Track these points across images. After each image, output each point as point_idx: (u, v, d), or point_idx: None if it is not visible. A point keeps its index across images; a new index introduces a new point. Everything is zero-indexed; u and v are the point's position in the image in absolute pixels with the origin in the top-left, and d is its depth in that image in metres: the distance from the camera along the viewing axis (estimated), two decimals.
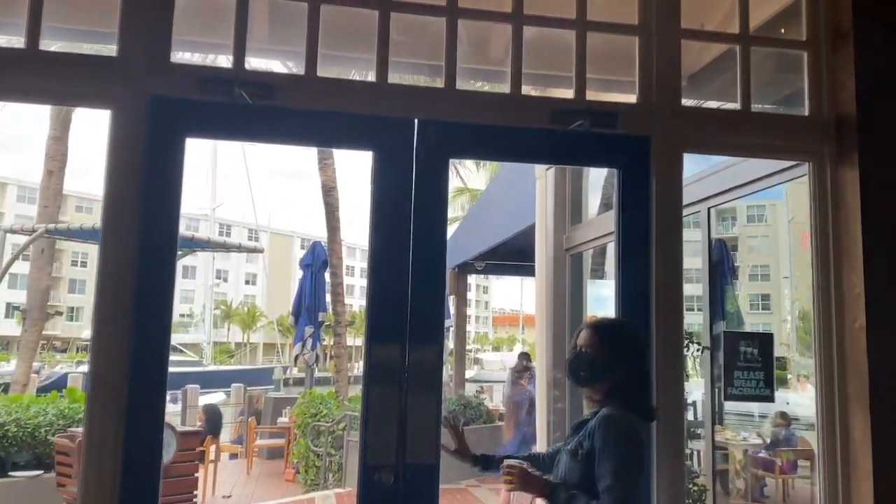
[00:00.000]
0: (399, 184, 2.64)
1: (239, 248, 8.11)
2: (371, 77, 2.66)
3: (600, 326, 2.39)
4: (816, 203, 2.89)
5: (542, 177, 6.26)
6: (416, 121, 2.67)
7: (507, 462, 2.29)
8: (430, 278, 2.70)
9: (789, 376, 8.20)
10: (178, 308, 59.13)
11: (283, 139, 2.71)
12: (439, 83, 2.71)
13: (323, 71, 2.62)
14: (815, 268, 2.85)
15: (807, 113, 2.95)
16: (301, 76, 2.61)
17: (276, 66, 3.20)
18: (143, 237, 2.46)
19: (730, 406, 5.95)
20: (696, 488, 3.26)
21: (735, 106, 2.90)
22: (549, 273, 6.05)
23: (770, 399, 2.80)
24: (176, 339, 47.93)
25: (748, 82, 2.89)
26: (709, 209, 4.06)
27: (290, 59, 3.08)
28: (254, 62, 2.71)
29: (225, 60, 2.62)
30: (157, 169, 2.51)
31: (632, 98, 2.86)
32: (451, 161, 3.62)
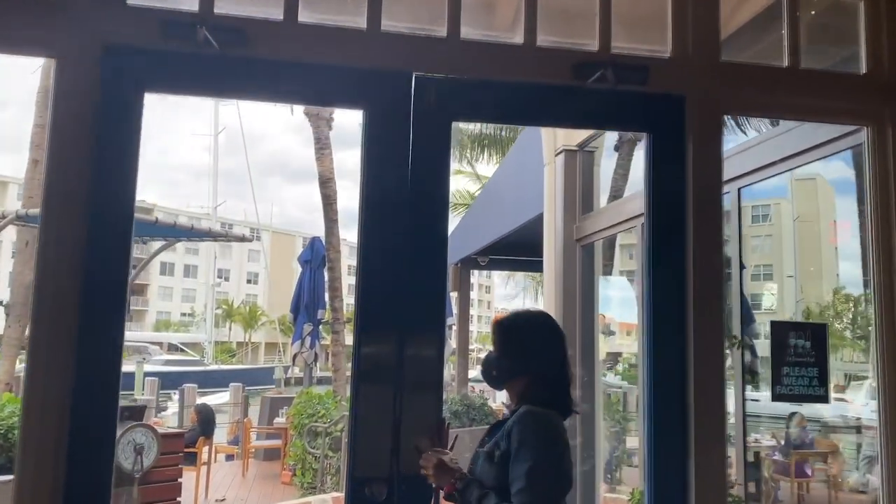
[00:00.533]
0: (394, 147, 2.26)
1: (227, 237, 7.74)
2: (361, 24, 2.28)
3: (500, 323, 2.18)
4: (876, 175, 2.51)
5: (551, 162, 5.88)
6: (413, 75, 2.29)
7: (430, 451, 2.08)
8: (429, 259, 2.34)
9: None
10: (180, 307, 59.07)
11: (258, 94, 2.33)
12: (440, 31, 2.32)
13: (305, 16, 2.24)
14: (874, 251, 2.47)
15: (864, 71, 2.56)
16: (279, 22, 2.23)
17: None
18: (92, 214, 2.08)
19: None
20: (730, 500, 2.90)
21: (781, 63, 2.52)
22: (558, 266, 5.67)
23: (825, 399, 2.43)
24: (177, 338, 47.85)
25: (797, 34, 2.50)
26: (738, 190, 3.68)
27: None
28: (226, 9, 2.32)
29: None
30: (110, 130, 2.14)
31: (664, 54, 2.47)
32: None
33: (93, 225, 2.08)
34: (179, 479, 5.56)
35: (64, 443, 2.01)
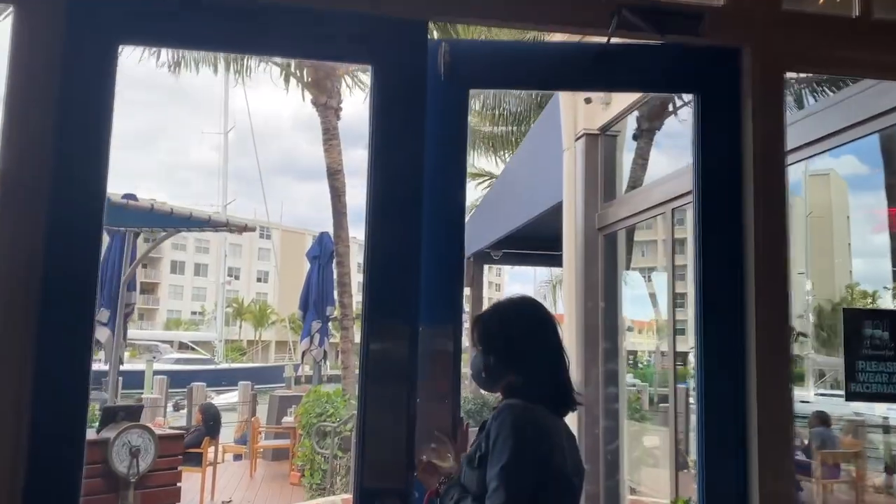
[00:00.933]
0: (407, 106, 1.96)
1: (227, 226, 7.45)
2: None
3: (480, 318, 1.95)
4: None
5: (571, 148, 5.56)
6: (427, 24, 1.99)
7: (428, 449, 1.94)
8: (446, 237, 2.07)
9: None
10: (190, 305, 59.13)
11: (249, 47, 2.07)
12: None
13: None
14: None
15: None
16: None
17: None
18: (56, 191, 1.79)
19: None
20: None
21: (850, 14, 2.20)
22: (579, 256, 5.35)
23: None
24: (188, 336, 47.86)
25: None
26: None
27: None
28: None
29: None
30: (78, 89, 1.85)
31: (717, 2, 2.15)
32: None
33: (57, 204, 1.80)
34: (178, 484, 5.27)
35: (22, 454, 1.71)
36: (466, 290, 11.63)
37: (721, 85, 2.14)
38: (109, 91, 1.88)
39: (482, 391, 1.97)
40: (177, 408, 18.11)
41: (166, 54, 11.57)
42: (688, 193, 3.58)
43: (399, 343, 1.96)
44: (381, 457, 1.93)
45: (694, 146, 2.20)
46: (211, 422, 8.75)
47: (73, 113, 1.84)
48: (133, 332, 42.59)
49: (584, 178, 5.30)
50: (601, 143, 5.33)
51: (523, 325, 1.88)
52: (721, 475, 2.01)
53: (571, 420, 4.69)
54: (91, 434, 4.80)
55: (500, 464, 1.62)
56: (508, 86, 6.05)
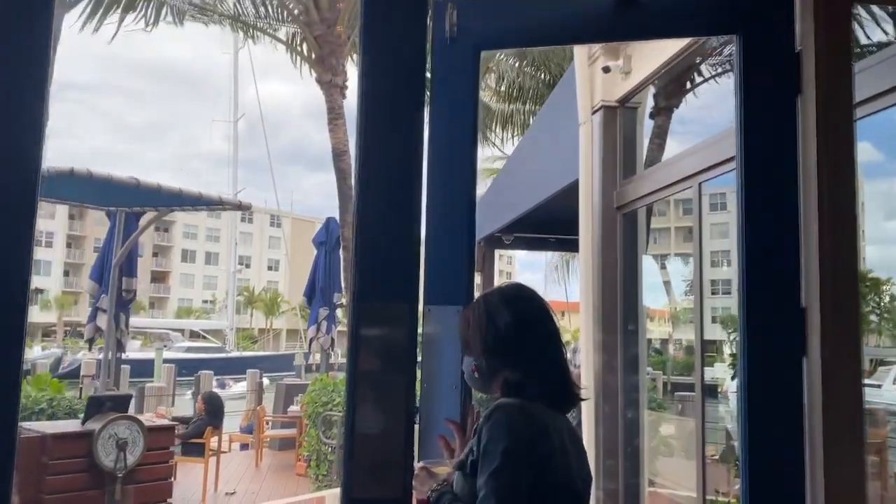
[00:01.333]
0: (405, 51, 1.66)
1: (222, 205, 7.18)
2: None
3: (465, 314, 1.76)
4: None
5: (587, 121, 5.23)
6: None
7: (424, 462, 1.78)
8: (455, 213, 1.84)
9: None
10: (201, 294, 59.32)
11: None
12: None
13: None
14: None
15: None
16: None
17: None
18: None
19: None
20: None
21: None
22: (596, 238, 5.02)
23: None
24: (199, 325, 48.00)
25: None
26: None
27: None
28: None
29: None
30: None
31: None
32: None
33: None
34: (171, 479, 5.01)
35: None
36: (477, 278, 11.33)
37: (770, 24, 1.84)
38: (44, 37, 1.59)
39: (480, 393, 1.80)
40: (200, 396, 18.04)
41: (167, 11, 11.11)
42: (721, 164, 3.25)
43: (395, 326, 1.72)
44: (373, 459, 1.68)
45: (737, 101, 1.90)
46: (213, 411, 8.52)
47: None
48: (144, 321, 42.71)
49: (601, 153, 4.96)
50: (620, 115, 4.99)
51: (514, 315, 1.70)
52: (771, 472, 1.74)
53: (587, 414, 4.41)
54: (76, 426, 4.57)
55: (489, 469, 1.49)
56: (524, 43, 5.67)
